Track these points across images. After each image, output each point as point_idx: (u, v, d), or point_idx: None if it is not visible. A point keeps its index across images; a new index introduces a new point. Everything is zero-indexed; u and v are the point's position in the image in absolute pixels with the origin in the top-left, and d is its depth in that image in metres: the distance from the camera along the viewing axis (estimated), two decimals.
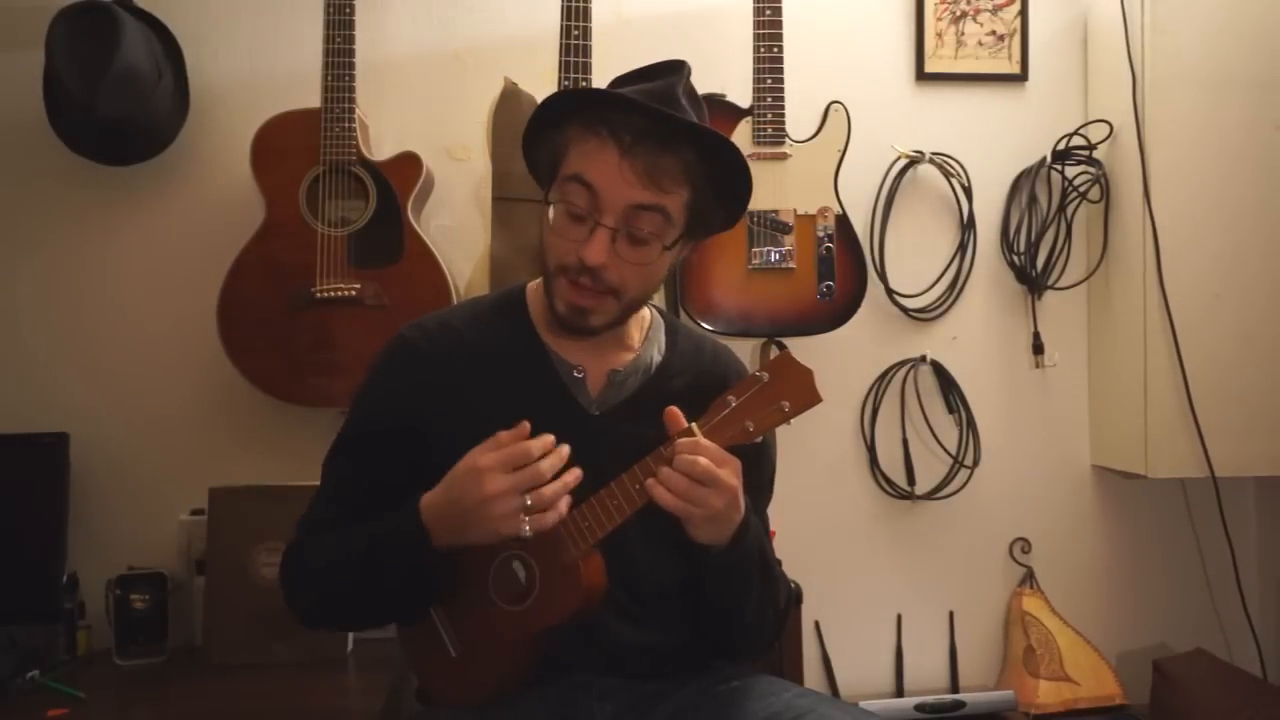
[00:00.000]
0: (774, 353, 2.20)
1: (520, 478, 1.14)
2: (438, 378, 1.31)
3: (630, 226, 1.21)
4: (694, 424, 1.19)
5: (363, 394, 1.36)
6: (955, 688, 2.34)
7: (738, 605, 1.29)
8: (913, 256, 2.34)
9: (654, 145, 1.19)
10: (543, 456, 1.15)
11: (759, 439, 1.20)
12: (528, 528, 1.14)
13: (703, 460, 1.14)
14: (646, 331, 1.39)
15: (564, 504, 1.16)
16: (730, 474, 1.17)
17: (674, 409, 1.20)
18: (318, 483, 1.37)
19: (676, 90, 1.23)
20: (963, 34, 2.34)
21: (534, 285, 1.38)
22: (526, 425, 1.17)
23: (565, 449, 1.17)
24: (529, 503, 1.14)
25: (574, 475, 1.16)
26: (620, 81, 1.29)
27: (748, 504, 1.23)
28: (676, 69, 1.26)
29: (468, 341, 1.33)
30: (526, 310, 1.36)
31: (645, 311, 1.39)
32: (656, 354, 1.37)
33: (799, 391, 1.17)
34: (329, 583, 1.29)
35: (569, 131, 1.23)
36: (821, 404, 1.18)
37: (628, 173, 1.19)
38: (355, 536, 1.26)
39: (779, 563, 1.45)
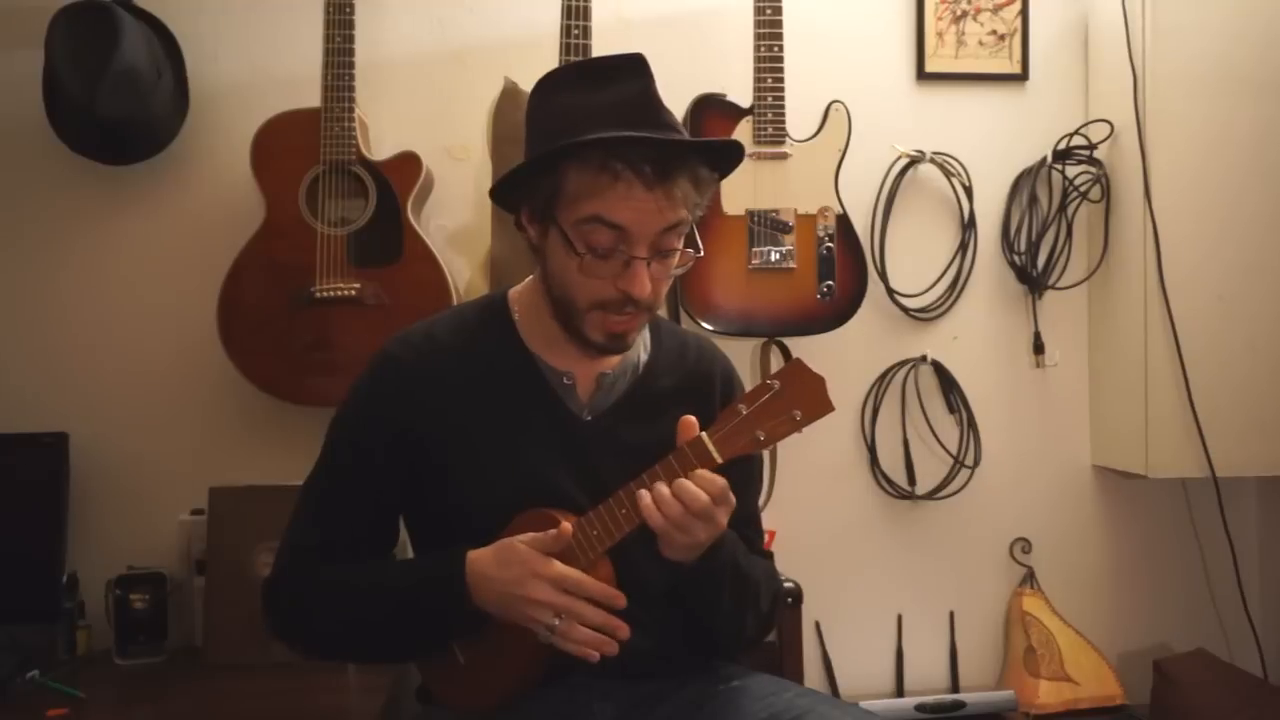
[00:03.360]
0: (774, 352, 2.21)
1: (561, 602, 1.15)
2: (425, 392, 1.29)
3: (660, 247, 1.20)
4: (704, 434, 1.17)
5: (348, 414, 1.34)
6: (955, 688, 2.34)
7: (709, 614, 1.28)
8: (913, 256, 2.33)
9: (675, 169, 1.18)
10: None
11: (768, 448, 1.19)
12: (549, 635, 1.16)
13: (704, 497, 1.13)
14: None
15: (592, 652, 1.16)
16: (724, 513, 1.17)
17: (690, 418, 1.18)
18: None
19: (655, 93, 1.21)
20: (963, 33, 2.33)
21: (515, 292, 1.37)
22: (568, 526, 1.18)
23: (621, 600, 1.16)
24: (556, 623, 1.15)
25: (611, 646, 1.16)
26: (577, 76, 1.26)
27: None
28: (641, 70, 1.22)
29: (454, 354, 1.32)
30: (511, 319, 1.35)
31: None
32: (642, 353, 1.37)
33: (811, 400, 1.15)
34: (346, 620, 1.27)
35: (570, 162, 1.18)
36: None
37: (660, 201, 1.17)
38: (384, 577, 1.27)
39: (771, 555, 1.45)
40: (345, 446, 1.33)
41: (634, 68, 1.23)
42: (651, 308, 1.25)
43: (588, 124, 1.16)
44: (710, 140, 1.21)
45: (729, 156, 1.26)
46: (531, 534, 1.19)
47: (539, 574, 1.16)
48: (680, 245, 1.23)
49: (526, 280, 1.37)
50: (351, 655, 1.37)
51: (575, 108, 1.20)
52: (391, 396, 1.30)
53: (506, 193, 1.28)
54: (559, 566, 1.16)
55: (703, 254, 1.28)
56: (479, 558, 1.20)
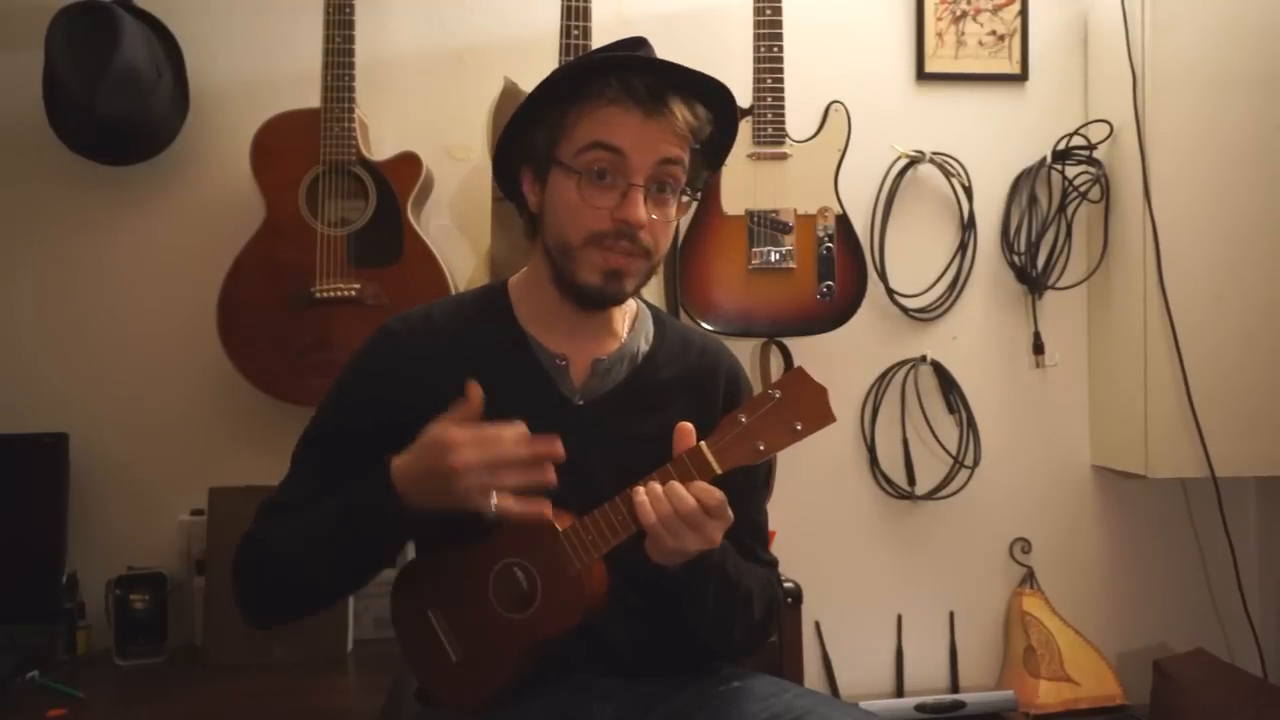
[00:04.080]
0: (774, 352, 2.21)
1: (486, 454, 1.13)
2: (419, 368, 1.30)
3: (657, 182, 1.23)
4: (703, 443, 1.16)
5: (342, 384, 1.34)
6: (955, 688, 2.34)
7: (693, 619, 1.28)
8: (913, 256, 2.34)
9: (670, 97, 1.22)
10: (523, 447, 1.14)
11: (769, 458, 1.18)
12: (494, 504, 1.13)
13: (692, 501, 1.13)
14: (632, 321, 1.38)
15: (544, 504, 1.14)
16: (717, 528, 1.16)
17: (686, 425, 1.18)
18: None
19: (653, 52, 1.27)
20: (963, 34, 2.34)
21: (516, 280, 1.38)
22: (478, 389, 1.16)
23: (544, 442, 1.14)
24: (493, 480, 1.13)
25: (549, 475, 1.14)
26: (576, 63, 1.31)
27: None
28: (640, 42, 1.28)
29: (450, 333, 1.33)
30: (509, 302, 1.35)
31: (630, 301, 1.38)
32: (643, 344, 1.37)
33: (812, 411, 1.14)
34: (294, 554, 1.25)
35: (570, 105, 1.23)
36: None
37: (653, 129, 1.21)
38: (322, 505, 1.24)
39: (775, 563, 1.44)
40: (333, 413, 1.33)
41: (633, 43, 1.28)
42: (648, 251, 1.25)
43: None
44: (699, 72, 1.25)
45: (718, 97, 1.28)
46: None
47: (456, 442, 1.13)
48: (678, 188, 1.26)
49: (525, 268, 1.38)
50: (306, 594, 1.30)
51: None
52: (383, 370, 1.31)
53: (508, 154, 1.31)
54: (474, 430, 1.14)
55: (700, 199, 1.30)
56: (401, 460, 1.18)
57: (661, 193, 1.24)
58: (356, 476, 1.28)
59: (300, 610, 1.31)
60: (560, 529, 1.19)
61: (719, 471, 1.16)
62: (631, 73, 1.22)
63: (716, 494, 1.14)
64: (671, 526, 1.13)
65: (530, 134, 1.27)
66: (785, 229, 2.10)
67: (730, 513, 1.16)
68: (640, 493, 1.14)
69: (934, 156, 2.31)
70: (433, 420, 1.25)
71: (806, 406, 1.14)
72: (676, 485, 1.14)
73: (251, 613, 1.31)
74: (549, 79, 1.25)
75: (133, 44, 1.96)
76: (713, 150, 1.31)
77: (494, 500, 1.13)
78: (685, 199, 1.28)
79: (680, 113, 1.22)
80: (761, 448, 1.15)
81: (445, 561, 1.30)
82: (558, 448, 1.14)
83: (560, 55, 1.96)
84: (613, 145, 1.21)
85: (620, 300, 1.29)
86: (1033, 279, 2.34)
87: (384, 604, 1.44)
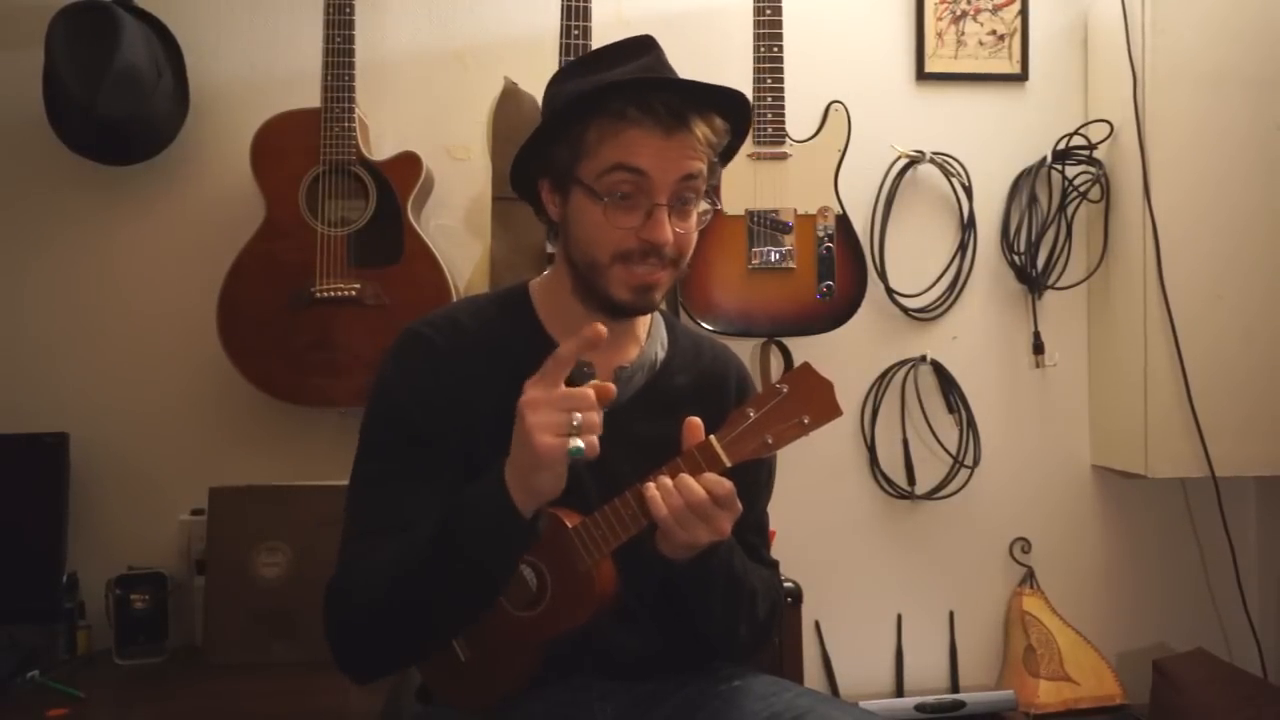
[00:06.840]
0: (774, 352, 2.21)
1: (559, 398, 1.09)
2: (452, 374, 1.28)
3: (679, 197, 1.23)
4: (712, 437, 1.16)
5: (378, 397, 1.31)
6: (955, 688, 2.34)
7: (699, 615, 1.27)
8: (913, 256, 2.34)
9: (691, 116, 1.21)
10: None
11: (775, 452, 1.18)
12: (583, 449, 1.08)
13: (703, 493, 1.13)
14: (649, 328, 1.38)
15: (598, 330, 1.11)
16: (726, 518, 1.15)
17: (695, 420, 1.18)
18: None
19: (665, 60, 1.26)
20: (963, 34, 2.34)
21: (535, 283, 1.38)
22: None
23: (611, 390, 1.12)
24: (576, 423, 1.08)
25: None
26: (587, 62, 1.30)
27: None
28: (650, 45, 1.27)
29: (478, 339, 1.32)
30: (533, 308, 1.35)
31: None
32: (660, 350, 1.37)
33: (819, 405, 1.14)
34: (398, 591, 1.17)
35: (590, 122, 1.22)
36: None
37: (675, 148, 1.21)
38: (421, 533, 1.18)
39: (776, 564, 1.44)
40: (378, 429, 1.29)
41: (642, 45, 1.27)
42: (677, 261, 1.26)
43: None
44: (716, 85, 1.24)
45: (736, 106, 1.27)
46: None
47: (526, 400, 1.09)
48: (699, 198, 1.26)
49: (545, 273, 1.38)
50: (407, 639, 1.23)
51: (588, 84, 1.23)
52: (419, 377, 1.28)
53: (526, 165, 1.30)
54: (547, 395, 1.09)
55: (721, 207, 1.28)
56: (507, 461, 1.13)
57: (684, 205, 1.25)
58: (422, 487, 1.23)
59: (403, 655, 1.28)
60: (570, 525, 1.19)
61: (728, 464, 1.16)
62: (651, 92, 1.21)
63: (726, 484, 1.14)
64: (682, 519, 1.13)
65: (549, 148, 1.26)
66: (785, 229, 2.10)
67: (739, 504, 1.16)
68: (651, 487, 1.14)
69: (934, 156, 2.31)
70: (463, 429, 1.25)
71: (813, 400, 1.14)
72: (687, 478, 1.14)
73: (358, 671, 1.28)
74: (572, 98, 1.23)
75: (133, 44, 1.96)
76: (725, 153, 1.32)
77: (575, 443, 1.08)
78: (705, 209, 1.27)
79: (700, 130, 1.22)
80: (770, 441, 1.15)
81: None
82: (612, 390, 1.12)
83: (560, 55, 1.96)
84: (635, 167, 1.20)
85: (651, 310, 1.31)
86: (1033, 279, 2.34)
87: None
